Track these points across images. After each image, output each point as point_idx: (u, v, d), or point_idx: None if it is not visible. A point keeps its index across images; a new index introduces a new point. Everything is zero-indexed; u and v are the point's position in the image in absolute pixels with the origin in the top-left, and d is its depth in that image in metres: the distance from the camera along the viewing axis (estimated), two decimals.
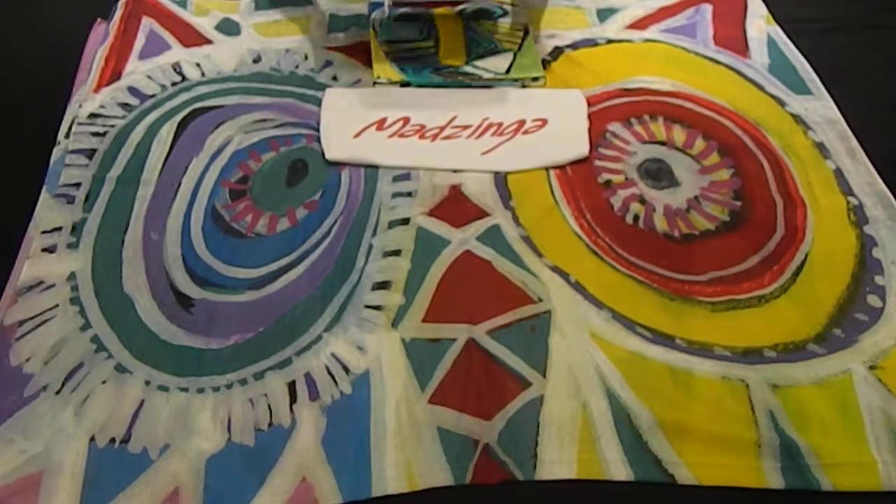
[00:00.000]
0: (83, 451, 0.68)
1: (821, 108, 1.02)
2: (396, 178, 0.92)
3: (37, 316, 0.78)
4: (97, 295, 0.80)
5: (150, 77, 1.04)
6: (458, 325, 0.77)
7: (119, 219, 0.87)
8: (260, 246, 0.85)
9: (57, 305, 0.79)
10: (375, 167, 0.93)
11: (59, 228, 0.85)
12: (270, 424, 0.70)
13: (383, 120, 0.98)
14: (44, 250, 0.83)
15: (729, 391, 0.73)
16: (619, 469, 0.68)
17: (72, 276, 0.81)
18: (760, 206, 0.90)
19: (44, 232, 0.85)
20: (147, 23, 1.12)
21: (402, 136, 0.96)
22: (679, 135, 0.99)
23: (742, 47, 1.12)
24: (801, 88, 1.05)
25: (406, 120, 0.98)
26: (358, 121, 0.97)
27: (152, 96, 1.01)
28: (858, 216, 0.89)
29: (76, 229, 0.85)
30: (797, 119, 1.01)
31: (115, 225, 0.86)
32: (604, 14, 1.17)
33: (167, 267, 0.83)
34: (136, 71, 1.05)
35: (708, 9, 1.19)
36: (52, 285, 0.80)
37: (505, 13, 1.14)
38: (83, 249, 0.84)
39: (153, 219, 0.87)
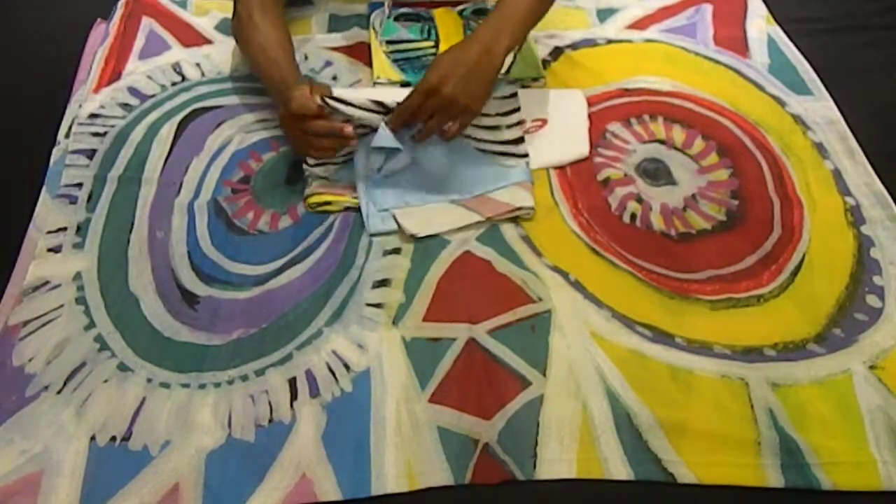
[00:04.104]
0: (83, 450, 0.68)
1: (821, 108, 1.02)
2: None
3: (42, 316, 0.78)
4: (103, 294, 0.80)
5: (150, 77, 1.04)
6: (459, 325, 0.77)
7: (123, 218, 0.87)
8: (264, 243, 0.86)
9: (62, 305, 0.79)
10: None
11: (64, 229, 0.85)
12: (271, 421, 0.71)
13: None
14: (49, 250, 0.83)
15: (729, 390, 0.73)
16: (618, 468, 0.68)
17: (77, 275, 0.81)
18: (757, 206, 0.90)
19: (49, 232, 0.85)
20: (147, 23, 1.13)
21: None
22: (678, 134, 0.99)
23: (742, 47, 1.13)
24: (801, 88, 1.06)
25: None
26: None
27: (152, 96, 1.02)
28: (856, 216, 0.89)
29: (81, 229, 0.86)
30: (797, 119, 1.01)
31: (120, 224, 0.86)
32: (604, 14, 1.17)
33: (173, 265, 0.83)
34: (136, 71, 1.05)
35: (708, 9, 1.19)
36: (58, 285, 0.80)
37: None
38: (89, 249, 0.84)
39: (157, 217, 0.87)
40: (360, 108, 0.83)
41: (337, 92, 0.84)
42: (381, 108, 0.84)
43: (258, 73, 0.95)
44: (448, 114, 0.84)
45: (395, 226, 0.85)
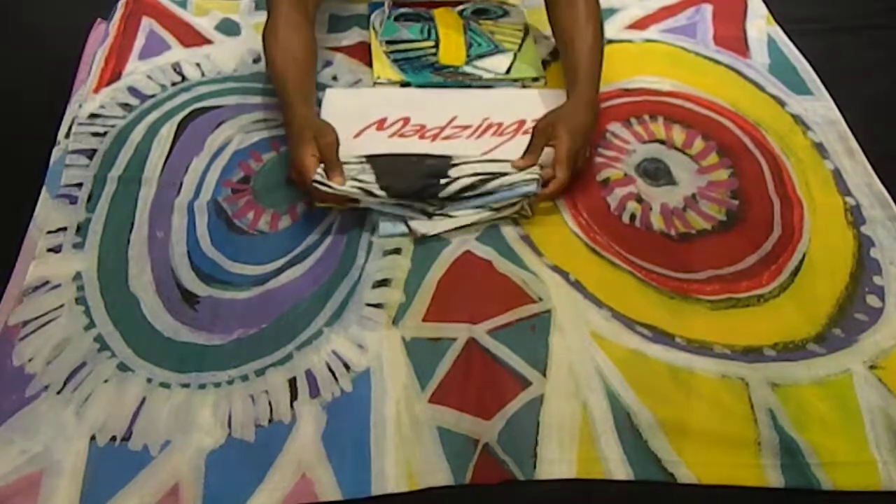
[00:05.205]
0: (83, 450, 0.68)
1: (821, 108, 1.02)
2: None
3: (42, 316, 0.78)
4: (103, 294, 0.80)
5: (150, 77, 1.04)
6: (459, 325, 0.77)
7: (123, 218, 0.87)
8: (264, 243, 0.86)
9: (62, 305, 0.79)
10: None
11: (64, 229, 0.85)
12: (271, 421, 0.70)
13: (383, 120, 0.98)
14: (49, 250, 0.83)
15: (729, 390, 0.73)
16: (618, 468, 0.68)
17: (77, 275, 0.81)
18: (757, 206, 0.90)
19: (49, 232, 0.85)
20: (147, 23, 1.13)
21: (402, 136, 0.96)
22: (678, 135, 0.99)
23: (742, 47, 1.13)
24: (801, 88, 1.06)
25: (406, 120, 0.98)
26: (358, 121, 0.97)
27: (152, 96, 1.02)
28: (856, 216, 0.89)
29: (81, 229, 0.85)
30: (797, 119, 1.01)
31: (120, 224, 0.86)
32: (604, 14, 1.16)
33: (173, 265, 0.83)
34: (136, 71, 1.05)
35: (708, 9, 1.19)
36: (58, 285, 0.80)
37: (505, 13, 1.15)
38: (89, 249, 0.84)
39: (157, 218, 0.87)
40: (348, 191, 0.82)
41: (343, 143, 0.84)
42: (369, 195, 0.82)
43: (272, 82, 0.95)
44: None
45: (405, 229, 0.85)
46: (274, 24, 0.94)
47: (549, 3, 1.01)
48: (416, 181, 0.84)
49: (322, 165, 0.82)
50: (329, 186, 0.81)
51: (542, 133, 0.87)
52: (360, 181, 0.82)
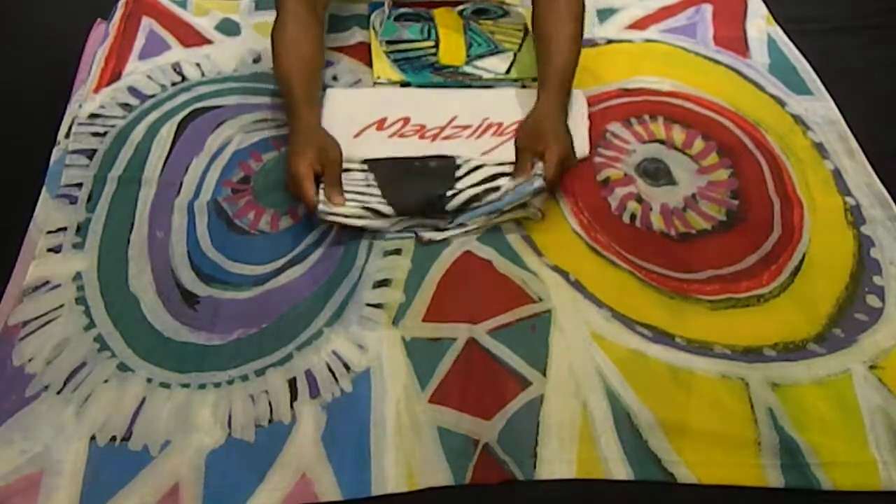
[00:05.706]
0: (83, 450, 0.68)
1: (821, 108, 1.02)
2: None
3: (42, 316, 0.78)
4: (103, 294, 0.80)
5: (150, 77, 1.04)
6: (459, 325, 0.77)
7: (123, 218, 0.87)
8: (264, 243, 0.86)
9: (62, 305, 0.79)
10: None
11: (64, 229, 0.85)
12: (271, 421, 0.71)
13: (383, 120, 0.98)
14: (49, 250, 0.83)
15: (729, 390, 0.73)
16: (618, 468, 0.68)
17: (77, 275, 0.81)
18: (757, 207, 0.90)
19: (49, 232, 0.85)
20: (147, 23, 1.13)
21: (402, 136, 0.96)
22: (678, 135, 0.99)
23: (742, 47, 1.13)
24: (801, 88, 1.06)
25: (406, 120, 0.98)
26: (358, 121, 0.97)
27: (152, 96, 1.02)
28: (856, 216, 0.89)
29: (81, 229, 0.85)
30: (797, 119, 1.01)
31: (120, 224, 0.86)
32: (604, 14, 1.17)
33: (173, 265, 0.83)
34: (136, 71, 1.05)
35: (708, 9, 1.19)
36: (58, 285, 0.80)
37: (505, 13, 1.15)
38: (89, 249, 0.84)
39: (157, 218, 0.87)
40: (352, 216, 0.82)
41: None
42: (376, 215, 0.83)
43: (277, 81, 0.95)
44: None
45: (411, 233, 0.85)
46: (283, 21, 0.94)
47: (533, 2, 1.00)
48: (422, 194, 0.84)
49: (322, 184, 0.83)
50: (335, 214, 0.81)
51: (528, 150, 0.86)
52: (363, 199, 0.82)
